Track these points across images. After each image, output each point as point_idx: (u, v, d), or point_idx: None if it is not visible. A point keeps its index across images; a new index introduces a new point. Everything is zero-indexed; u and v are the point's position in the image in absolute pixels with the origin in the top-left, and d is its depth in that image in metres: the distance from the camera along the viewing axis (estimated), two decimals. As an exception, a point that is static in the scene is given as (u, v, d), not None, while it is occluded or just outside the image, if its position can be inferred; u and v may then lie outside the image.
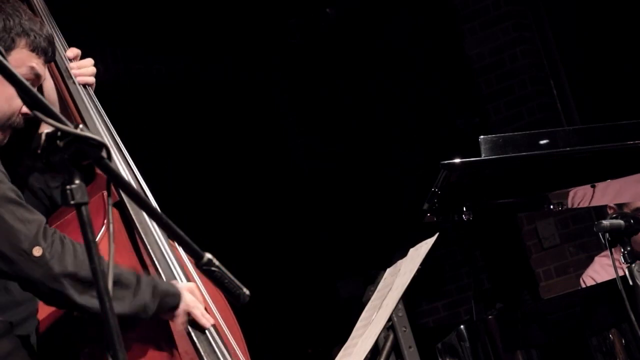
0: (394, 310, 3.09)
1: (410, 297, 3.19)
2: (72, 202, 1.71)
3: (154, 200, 2.90)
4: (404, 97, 7.80)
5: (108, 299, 1.71)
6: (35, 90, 1.74)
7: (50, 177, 2.91)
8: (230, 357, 2.81)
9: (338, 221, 7.81)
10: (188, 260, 2.88)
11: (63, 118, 1.72)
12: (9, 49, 2.67)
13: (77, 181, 1.71)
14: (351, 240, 7.72)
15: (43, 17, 3.00)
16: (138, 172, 2.99)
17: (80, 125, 1.72)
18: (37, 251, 2.47)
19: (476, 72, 7.38)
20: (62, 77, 2.98)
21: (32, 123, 2.78)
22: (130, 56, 6.96)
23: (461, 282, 7.65)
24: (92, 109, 2.97)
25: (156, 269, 2.81)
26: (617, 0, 7.06)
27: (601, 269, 4.80)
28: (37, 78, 2.75)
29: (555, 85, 7.32)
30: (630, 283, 3.31)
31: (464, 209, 3.66)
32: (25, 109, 2.71)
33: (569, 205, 3.96)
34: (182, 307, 2.72)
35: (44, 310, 2.69)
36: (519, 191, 3.90)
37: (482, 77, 7.37)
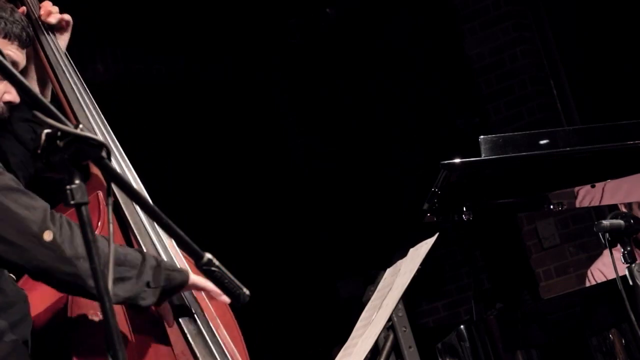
0: (394, 310, 3.09)
1: (410, 297, 3.19)
2: (72, 202, 1.71)
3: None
4: (404, 97, 7.80)
5: (108, 298, 1.71)
6: (34, 90, 1.74)
7: (36, 125, 2.88)
8: (228, 357, 2.80)
9: (338, 221, 7.81)
10: (185, 261, 2.87)
11: (63, 118, 1.72)
12: None
13: (77, 181, 1.72)
14: (351, 240, 7.72)
15: (33, 13, 2.99)
16: (131, 166, 2.98)
17: (81, 125, 1.72)
18: (47, 235, 2.46)
19: (476, 72, 7.38)
20: (52, 67, 2.96)
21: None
22: (130, 56, 6.96)
23: (461, 282, 7.65)
24: (85, 102, 2.96)
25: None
26: (617, 0, 7.06)
27: (611, 263, 4.78)
28: (14, 65, 2.73)
29: (555, 85, 7.32)
30: (630, 283, 3.31)
31: (464, 209, 3.66)
32: (7, 97, 2.70)
33: (575, 205, 3.97)
34: (191, 282, 2.70)
35: (38, 313, 2.68)
36: (519, 191, 3.91)
37: (482, 77, 7.37)
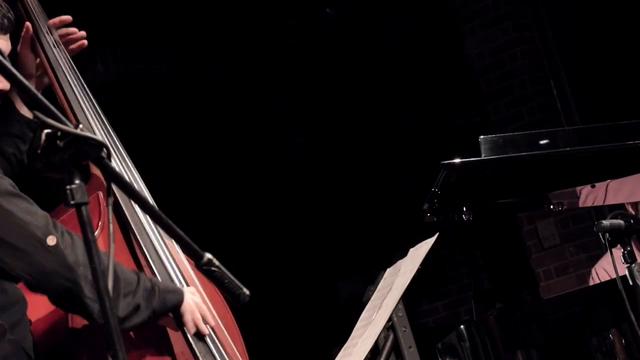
0: (394, 310, 3.09)
1: (410, 297, 3.19)
2: (72, 202, 1.71)
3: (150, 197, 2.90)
4: (404, 97, 7.80)
5: (108, 298, 1.71)
6: (34, 90, 1.74)
7: (21, 141, 2.89)
8: (228, 357, 2.80)
9: (338, 221, 7.81)
10: (186, 261, 2.87)
11: (63, 118, 1.72)
12: None
13: (77, 181, 1.71)
14: (351, 240, 7.72)
15: (36, 18, 2.99)
16: (133, 166, 2.98)
17: (80, 125, 1.72)
18: (51, 240, 2.46)
19: (476, 72, 7.38)
20: (52, 68, 2.97)
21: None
22: (130, 56, 6.96)
23: (461, 282, 7.65)
24: (85, 103, 2.96)
25: (152, 270, 2.79)
26: (617, 0, 7.06)
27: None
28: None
29: (555, 85, 7.32)
30: (630, 283, 3.31)
31: (464, 209, 3.67)
32: None
33: (575, 205, 3.97)
34: (185, 306, 2.71)
35: (37, 316, 2.67)
36: (519, 191, 3.91)
37: (482, 77, 7.37)
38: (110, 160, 1.75)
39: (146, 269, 2.80)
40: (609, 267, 4.62)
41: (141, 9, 6.73)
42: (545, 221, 7.09)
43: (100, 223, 2.76)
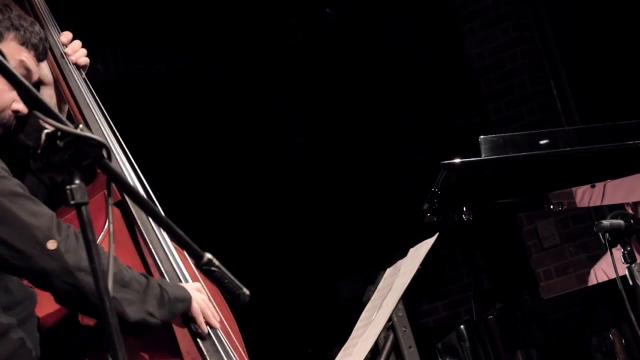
0: (394, 310, 3.09)
1: (410, 297, 3.19)
2: (72, 202, 1.71)
3: (156, 201, 2.90)
4: (405, 97, 7.81)
5: (108, 298, 1.72)
6: (34, 89, 1.74)
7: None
8: (233, 356, 2.80)
9: (339, 221, 7.82)
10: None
11: (63, 118, 1.72)
12: None
13: (77, 181, 1.71)
14: (351, 240, 7.72)
15: (43, 17, 3.01)
16: (139, 170, 2.99)
17: (81, 125, 1.72)
18: (51, 244, 2.45)
19: (476, 72, 7.39)
20: (62, 73, 2.98)
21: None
22: (130, 56, 6.96)
23: (461, 282, 7.65)
24: (94, 108, 2.98)
25: (159, 269, 2.79)
26: (617, 0, 7.06)
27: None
28: (27, 72, 2.75)
29: (555, 85, 7.33)
30: (630, 283, 3.31)
31: (464, 209, 3.67)
32: (15, 106, 2.71)
33: (575, 205, 3.97)
34: (195, 308, 2.72)
35: (45, 313, 2.68)
36: (519, 191, 3.91)
37: (482, 77, 7.37)
38: (110, 160, 1.75)
39: (153, 268, 2.80)
40: (607, 269, 4.62)
41: (141, 9, 6.73)
42: (545, 221, 7.09)
43: (107, 220, 2.74)
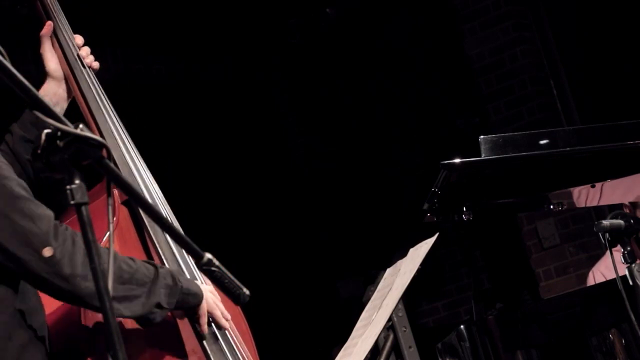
0: (394, 310, 3.10)
1: (410, 297, 3.19)
2: (72, 202, 1.70)
3: (165, 203, 2.91)
4: (404, 97, 7.81)
5: (108, 298, 1.71)
6: (34, 89, 1.74)
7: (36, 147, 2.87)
8: (239, 355, 2.79)
9: (338, 221, 7.81)
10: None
11: (63, 118, 1.72)
12: None
13: (77, 181, 1.71)
14: (351, 240, 7.72)
15: (56, 17, 2.99)
16: (150, 173, 2.99)
17: (81, 125, 1.72)
18: (47, 251, 2.42)
19: (476, 72, 7.39)
20: (73, 73, 2.97)
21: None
22: (130, 56, 6.96)
23: (461, 282, 7.65)
24: (105, 108, 2.97)
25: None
26: (617, 0, 7.06)
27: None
28: None
29: (555, 85, 7.33)
30: (630, 283, 3.31)
31: (464, 209, 3.67)
32: None
33: (575, 205, 3.97)
34: (203, 307, 2.71)
35: (54, 310, 2.67)
36: (519, 191, 3.91)
37: (482, 77, 7.37)
38: (110, 160, 1.75)
39: None
40: (606, 271, 4.63)
41: (141, 9, 6.73)
42: (545, 221, 7.09)
43: (114, 219, 2.74)
